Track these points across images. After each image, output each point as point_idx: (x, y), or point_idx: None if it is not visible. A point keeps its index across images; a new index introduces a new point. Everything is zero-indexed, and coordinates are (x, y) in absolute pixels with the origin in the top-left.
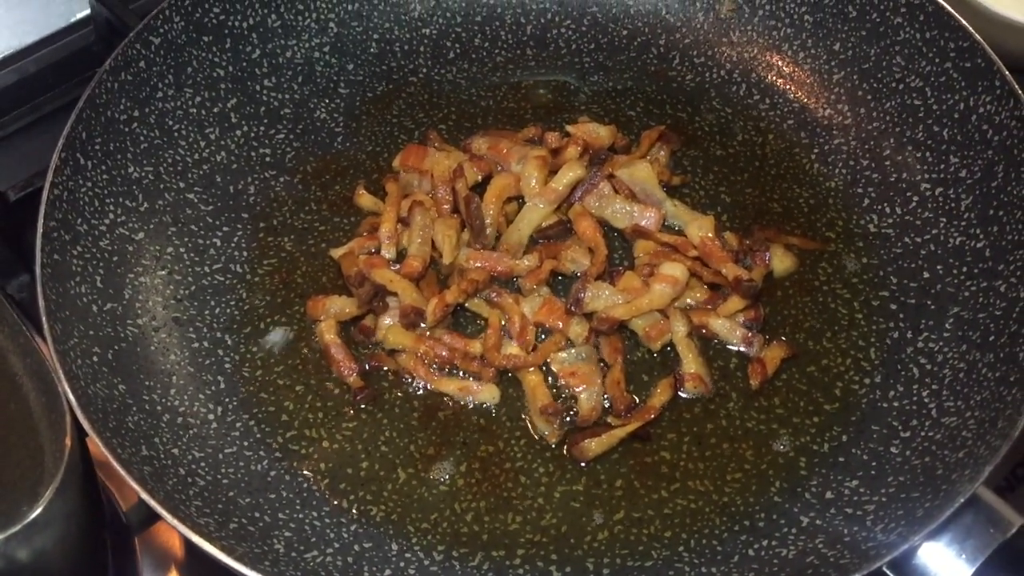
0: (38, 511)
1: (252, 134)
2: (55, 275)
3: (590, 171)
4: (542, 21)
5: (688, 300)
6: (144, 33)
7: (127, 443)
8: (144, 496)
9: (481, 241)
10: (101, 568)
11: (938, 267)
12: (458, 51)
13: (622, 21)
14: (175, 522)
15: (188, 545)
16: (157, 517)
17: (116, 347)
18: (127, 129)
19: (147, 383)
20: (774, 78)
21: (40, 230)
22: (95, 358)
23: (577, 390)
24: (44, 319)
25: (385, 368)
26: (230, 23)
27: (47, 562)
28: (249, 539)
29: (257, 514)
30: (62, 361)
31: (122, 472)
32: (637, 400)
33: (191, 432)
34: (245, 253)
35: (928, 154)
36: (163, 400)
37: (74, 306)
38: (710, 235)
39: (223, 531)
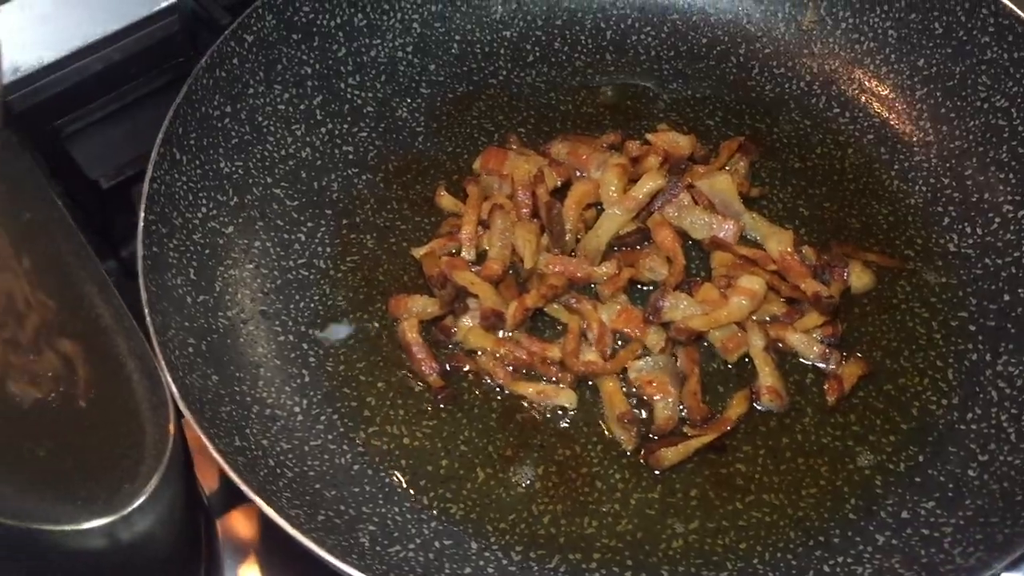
0: (145, 496)
1: (336, 131)
2: (154, 267)
3: (670, 181)
4: (622, 27)
5: (766, 315)
6: (238, 31)
7: (222, 433)
8: (244, 488)
9: (560, 247)
10: (195, 550)
11: (1019, 290)
12: (537, 54)
13: (702, 29)
14: (272, 513)
15: (264, 531)
16: (235, 503)
17: (208, 339)
18: (219, 125)
19: (237, 375)
20: (855, 92)
21: (141, 223)
22: (190, 349)
23: (654, 399)
24: (146, 310)
25: (464, 369)
26: (319, 22)
27: (148, 543)
28: (336, 532)
29: (342, 507)
30: (163, 351)
31: (222, 463)
32: (713, 411)
33: (279, 424)
34: (328, 249)
35: (1011, 175)
36: (252, 392)
37: (171, 297)
38: (789, 250)
39: (312, 523)
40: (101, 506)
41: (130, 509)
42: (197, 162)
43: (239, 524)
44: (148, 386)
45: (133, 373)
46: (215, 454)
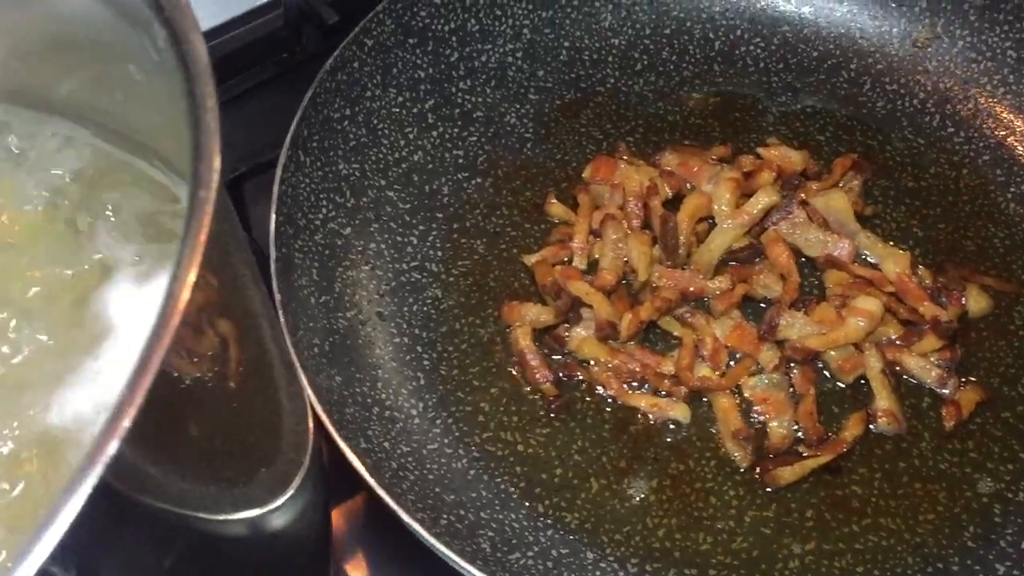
0: (291, 492)
1: (447, 135)
2: (283, 268)
3: (784, 197)
4: (731, 38)
5: (881, 337)
6: (360, 35)
7: (350, 435)
8: (378, 489)
9: (673, 260)
10: (325, 547)
11: None
12: (645, 63)
13: (813, 42)
14: (403, 515)
15: (366, 531)
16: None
17: (331, 340)
18: (339, 127)
19: (357, 376)
20: (970, 112)
21: (272, 225)
22: (315, 350)
23: (768, 417)
24: (280, 311)
25: (577, 378)
26: (434, 27)
27: (287, 534)
28: (460, 537)
29: (462, 512)
30: (297, 351)
31: (356, 464)
32: (827, 432)
33: (398, 426)
34: (440, 253)
35: None
36: (372, 393)
37: (297, 298)
38: (907, 271)
39: (436, 527)
40: (252, 498)
41: (279, 503)
42: (319, 164)
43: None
44: (287, 376)
45: (274, 360)
46: (350, 454)
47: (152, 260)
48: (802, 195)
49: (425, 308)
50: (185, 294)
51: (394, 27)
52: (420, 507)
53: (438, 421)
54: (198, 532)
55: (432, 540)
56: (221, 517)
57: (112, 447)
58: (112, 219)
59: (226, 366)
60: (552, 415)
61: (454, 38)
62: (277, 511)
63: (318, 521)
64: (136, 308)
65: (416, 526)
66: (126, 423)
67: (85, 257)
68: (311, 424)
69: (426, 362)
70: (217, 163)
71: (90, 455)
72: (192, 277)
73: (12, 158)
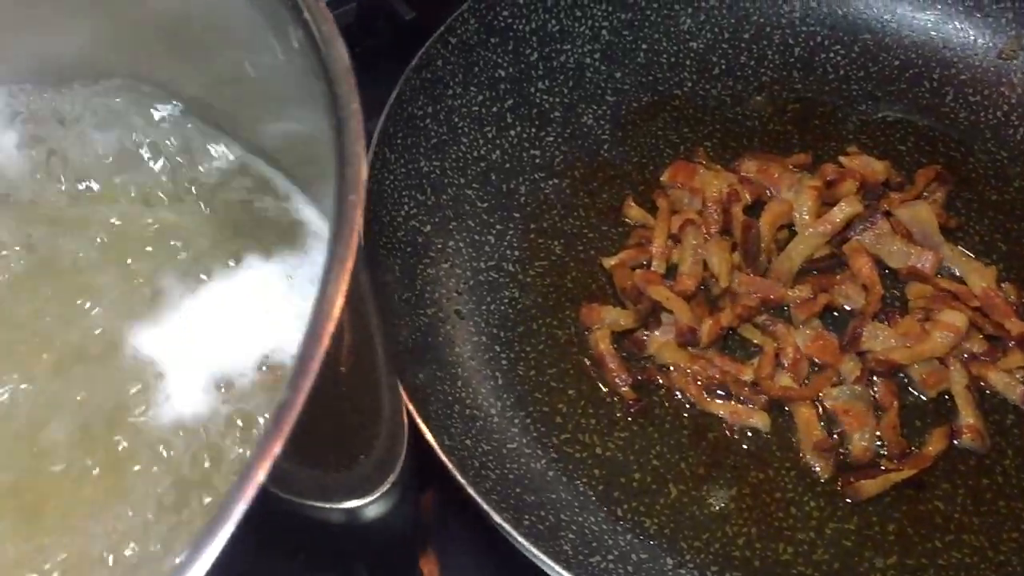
0: (389, 483)
1: (524, 135)
2: (369, 265)
3: (866, 207)
4: (811, 44)
5: (964, 351)
6: (445, 34)
7: (437, 431)
8: (468, 487)
9: (754, 267)
10: (413, 536)
11: None
12: (723, 67)
13: (894, 51)
14: (492, 512)
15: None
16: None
17: (413, 337)
18: (422, 125)
19: (439, 373)
20: None
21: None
22: (399, 347)
23: (850, 429)
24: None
25: (655, 383)
26: (515, 26)
27: (382, 522)
28: (541, 538)
29: (542, 513)
30: (384, 348)
31: (445, 460)
32: (910, 445)
33: (478, 424)
34: (517, 253)
35: None
36: (452, 391)
37: (381, 295)
38: (992, 286)
39: (519, 527)
40: (354, 487)
41: (379, 493)
42: (402, 161)
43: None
44: (387, 365)
45: (378, 347)
46: (439, 450)
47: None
48: (885, 206)
49: (503, 307)
50: (340, 300)
51: (477, 26)
52: (504, 507)
53: (516, 421)
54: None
55: (522, 540)
56: (328, 505)
57: (277, 448)
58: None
59: (340, 350)
60: (630, 419)
61: (534, 38)
62: (375, 502)
63: (408, 514)
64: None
65: (503, 522)
66: (288, 426)
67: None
68: (406, 418)
69: (504, 361)
70: (364, 167)
71: (257, 455)
72: (346, 282)
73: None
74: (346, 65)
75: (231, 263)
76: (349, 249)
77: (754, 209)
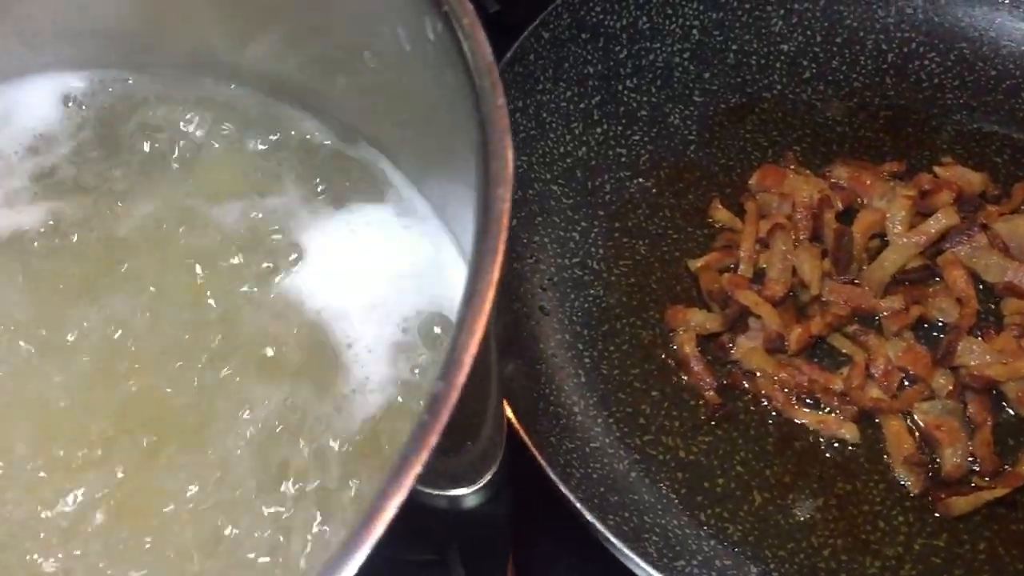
0: (491, 473)
1: (611, 133)
2: None
3: (962, 219)
4: (905, 51)
5: None
6: (538, 28)
7: (525, 426)
8: (560, 484)
9: (845, 275)
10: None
11: None
12: (814, 71)
13: (992, 61)
14: (583, 508)
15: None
16: None
17: (500, 331)
18: (512, 119)
19: (523, 369)
20: None
21: None
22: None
23: (941, 444)
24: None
25: (740, 388)
26: (606, 23)
27: (480, 511)
28: (626, 539)
29: (626, 514)
30: (494, 333)
31: (537, 454)
32: (1003, 463)
33: (562, 422)
34: (601, 251)
35: None
36: (536, 387)
37: None
38: None
39: (605, 526)
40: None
41: (483, 483)
42: None
43: None
44: (496, 354)
45: (491, 334)
46: (531, 445)
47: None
48: (983, 219)
49: (586, 305)
50: (491, 293)
51: (570, 21)
52: (588, 506)
53: (599, 420)
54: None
55: (613, 539)
56: (436, 492)
57: (433, 440)
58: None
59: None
60: (714, 423)
61: (624, 35)
62: (476, 492)
63: (507, 504)
64: None
65: (593, 519)
66: (445, 419)
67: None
68: (508, 411)
69: (587, 360)
70: (512, 161)
71: (414, 447)
72: (497, 277)
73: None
74: (490, 59)
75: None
76: (499, 243)
77: (844, 216)
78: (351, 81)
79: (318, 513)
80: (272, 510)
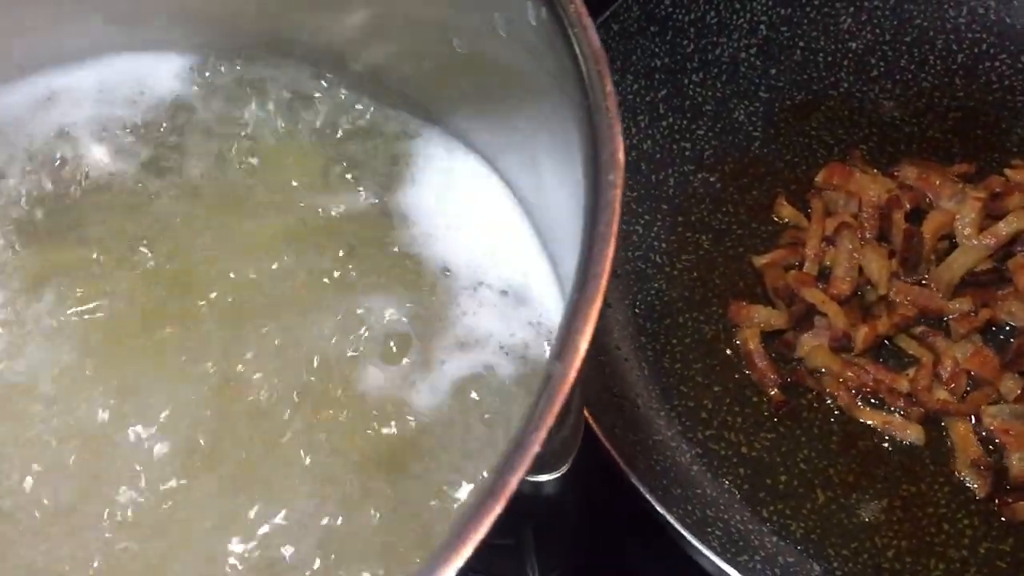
0: (570, 460)
1: (676, 126)
2: None
3: None
4: (975, 51)
5: None
6: (609, 20)
7: (594, 415)
8: (627, 470)
9: (913, 275)
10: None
11: None
12: (882, 69)
13: None
14: (654, 500)
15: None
16: None
17: None
18: None
19: (588, 361)
20: None
21: None
22: None
23: (1008, 449)
24: None
25: (804, 386)
26: (675, 16)
27: (558, 497)
28: (688, 531)
29: (689, 507)
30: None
31: (606, 443)
32: None
33: (625, 414)
34: (664, 245)
35: None
36: (600, 378)
37: None
38: None
39: (671, 515)
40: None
41: (564, 470)
42: None
43: None
44: None
45: None
46: (600, 433)
47: None
48: None
49: (649, 298)
50: (605, 278)
51: (639, 14)
52: (656, 496)
53: (662, 413)
54: None
55: (677, 526)
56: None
57: (550, 422)
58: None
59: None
60: (777, 420)
61: (692, 29)
62: (557, 479)
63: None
64: None
65: (663, 509)
66: (561, 401)
67: None
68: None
69: (649, 353)
70: (622, 147)
71: (530, 429)
72: (610, 261)
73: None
74: (598, 45)
75: None
76: (612, 228)
77: (911, 217)
78: (436, 66)
79: None
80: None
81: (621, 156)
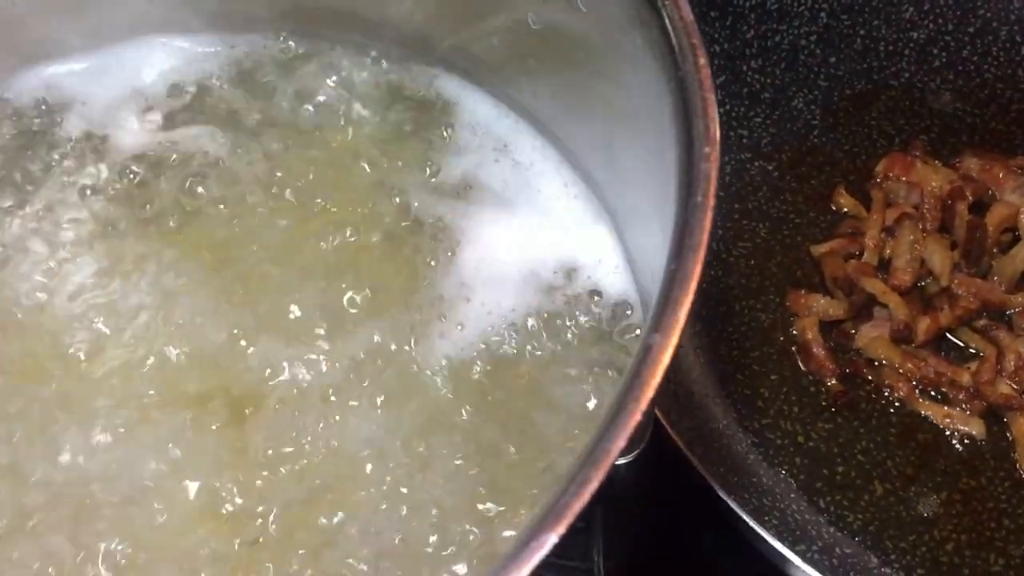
0: (644, 443)
1: (733, 113)
2: None
3: None
4: None
5: None
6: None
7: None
8: (688, 454)
9: (976, 268)
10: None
11: None
12: (944, 60)
13: None
14: (715, 484)
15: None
16: None
17: None
18: None
19: None
20: None
21: None
22: None
23: None
24: None
25: (863, 377)
26: (736, 1)
27: (628, 479)
28: (749, 516)
29: (746, 495)
30: None
31: (668, 428)
32: None
33: (680, 401)
34: (720, 232)
35: None
36: None
37: None
38: None
39: (734, 501)
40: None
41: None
42: None
43: None
44: None
45: None
46: (664, 421)
47: None
48: None
49: (704, 286)
50: (703, 250)
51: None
52: (717, 482)
53: (718, 401)
54: None
55: (739, 512)
56: None
57: (650, 393)
58: None
59: None
60: (834, 410)
61: (752, 15)
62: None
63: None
64: None
65: (725, 494)
66: (661, 371)
67: None
68: None
69: (705, 339)
70: (717, 119)
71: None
72: (707, 231)
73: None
74: (690, 18)
75: None
76: (708, 200)
77: (973, 209)
78: (508, 43)
79: None
80: None
81: (716, 128)
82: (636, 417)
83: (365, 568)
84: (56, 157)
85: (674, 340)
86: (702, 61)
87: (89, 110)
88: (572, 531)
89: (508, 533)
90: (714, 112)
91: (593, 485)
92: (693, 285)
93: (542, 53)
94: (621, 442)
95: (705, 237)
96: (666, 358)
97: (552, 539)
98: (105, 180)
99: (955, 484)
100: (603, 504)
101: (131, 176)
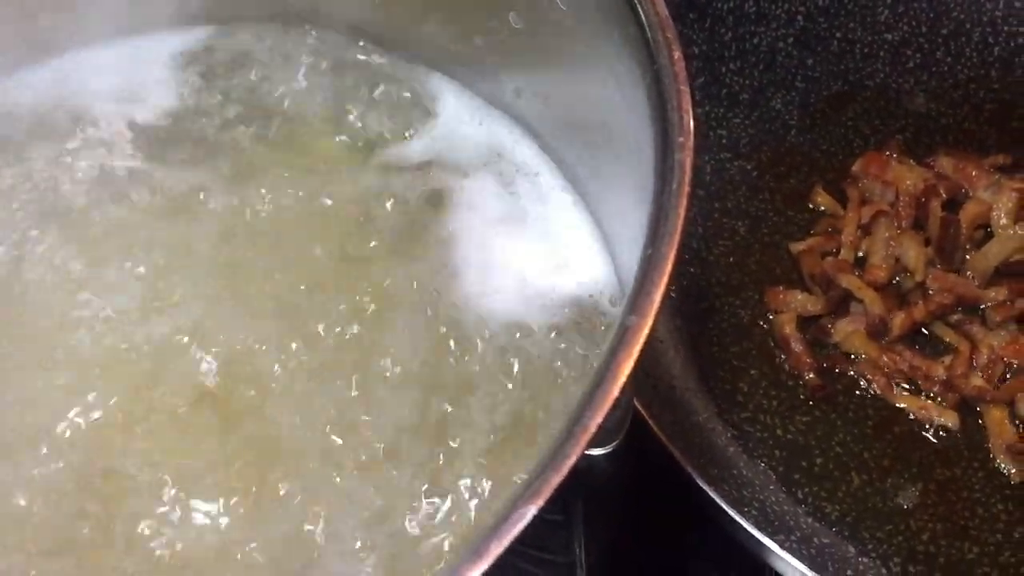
0: (622, 435)
1: (712, 114)
2: None
3: None
4: (1011, 45)
5: None
6: None
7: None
8: (669, 446)
9: (949, 264)
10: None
11: None
12: (918, 61)
13: None
14: (695, 475)
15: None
16: None
17: None
18: None
19: None
20: None
21: None
22: None
23: None
24: None
25: (839, 371)
26: (714, 4)
27: (607, 473)
28: (729, 506)
29: (726, 487)
30: None
31: (648, 420)
32: None
33: (661, 395)
34: (700, 230)
35: None
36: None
37: None
38: None
39: (714, 493)
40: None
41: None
42: None
43: None
44: None
45: None
46: (647, 417)
47: None
48: None
49: (684, 283)
50: (679, 233)
51: (678, 0)
52: (695, 473)
53: (699, 394)
54: None
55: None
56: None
57: (627, 370)
58: None
59: None
60: (812, 404)
61: (731, 17)
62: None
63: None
64: None
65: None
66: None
67: None
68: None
69: (686, 335)
70: (691, 111)
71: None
72: (683, 212)
73: None
74: (666, 14)
75: None
76: (683, 188)
77: (946, 207)
78: (490, 42)
79: None
80: None
81: (690, 119)
82: (613, 393)
83: None
84: (64, 148)
85: (650, 321)
86: (676, 55)
87: (94, 100)
88: (552, 518)
89: None
90: (688, 104)
91: (572, 460)
92: (669, 268)
93: (524, 51)
94: (599, 417)
95: (680, 223)
96: (642, 338)
97: (531, 511)
98: (112, 168)
99: (930, 475)
100: (584, 497)
101: (140, 162)
